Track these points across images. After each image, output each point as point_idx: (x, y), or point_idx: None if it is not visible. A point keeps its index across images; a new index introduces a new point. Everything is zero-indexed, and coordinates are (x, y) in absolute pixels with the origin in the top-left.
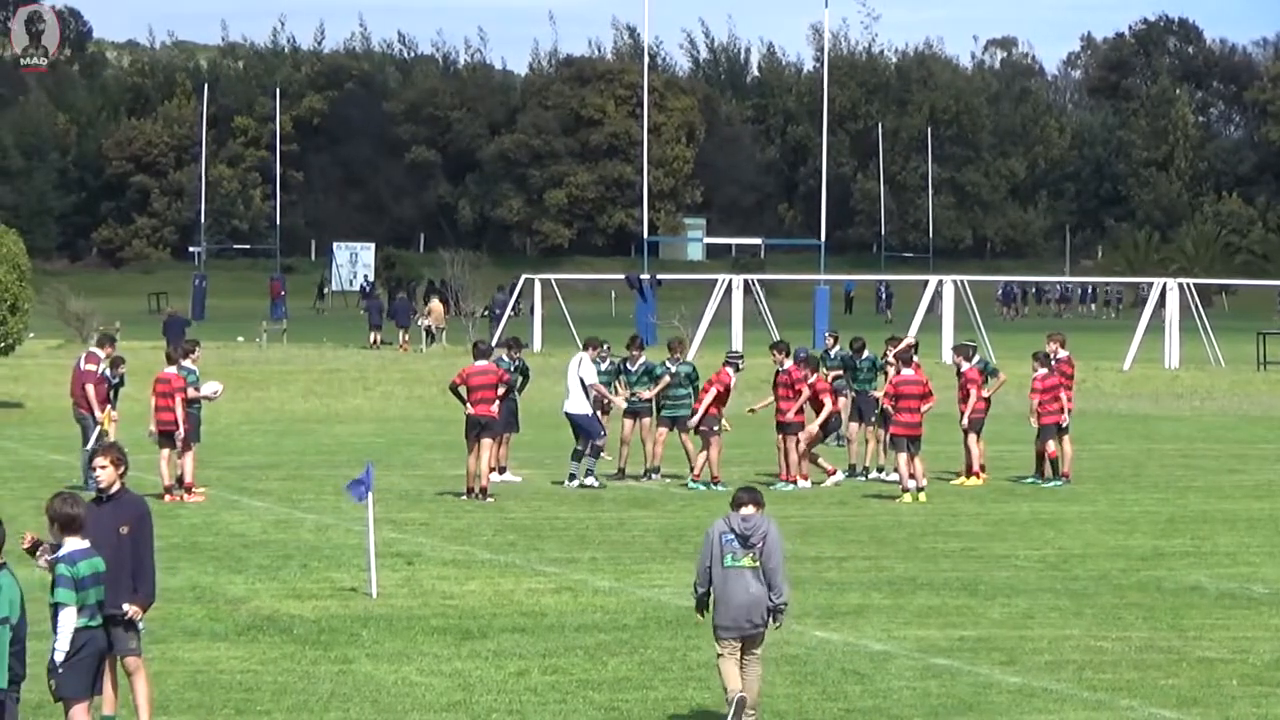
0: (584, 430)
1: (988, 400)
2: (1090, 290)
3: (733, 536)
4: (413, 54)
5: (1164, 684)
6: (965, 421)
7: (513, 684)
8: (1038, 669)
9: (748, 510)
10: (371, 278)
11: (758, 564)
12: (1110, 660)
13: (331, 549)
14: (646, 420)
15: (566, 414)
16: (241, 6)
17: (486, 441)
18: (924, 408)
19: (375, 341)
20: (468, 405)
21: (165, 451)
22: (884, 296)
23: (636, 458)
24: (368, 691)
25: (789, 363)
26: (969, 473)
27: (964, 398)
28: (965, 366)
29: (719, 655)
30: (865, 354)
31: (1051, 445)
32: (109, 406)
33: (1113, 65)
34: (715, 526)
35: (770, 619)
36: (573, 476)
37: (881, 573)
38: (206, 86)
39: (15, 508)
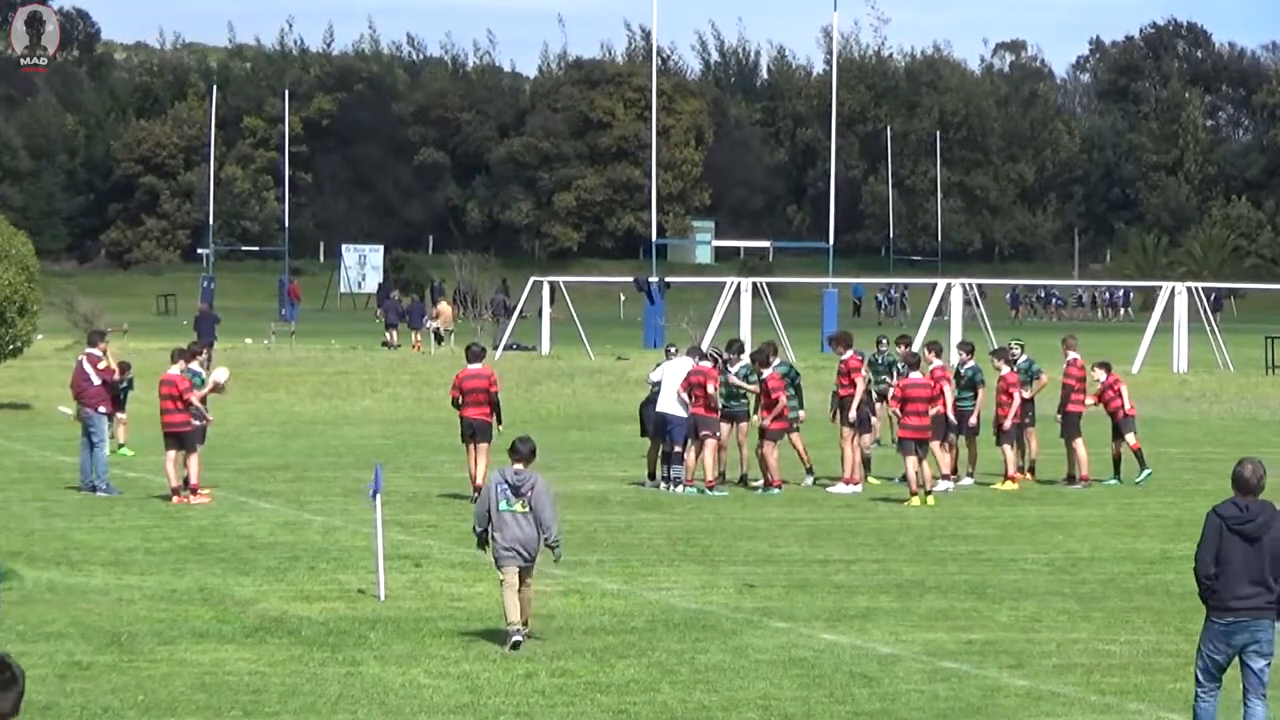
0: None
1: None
2: (1124, 294)
3: (506, 486)
4: (422, 56)
5: (1172, 687)
6: (1007, 424)
7: (521, 686)
8: (1046, 672)
9: (518, 465)
10: (381, 280)
11: (528, 510)
12: (1118, 664)
13: (339, 551)
14: (744, 425)
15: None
16: (250, 8)
17: (483, 445)
18: (932, 411)
19: (393, 341)
20: (463, 408)
21: (172, 453)
22: (888, 301)
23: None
24: (375, 693)
25: (848, 354)
26: (1009, 476)
27: (1006, 402)
28: (1005, 371)
29: (501, 583)
30: (969, 362)
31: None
32: (118, 410)
33: (1122, 69)
34: (493, 477)
35: (551, 551)
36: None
37: (889, 576)
38: (215, 87)
39: (22, 509)
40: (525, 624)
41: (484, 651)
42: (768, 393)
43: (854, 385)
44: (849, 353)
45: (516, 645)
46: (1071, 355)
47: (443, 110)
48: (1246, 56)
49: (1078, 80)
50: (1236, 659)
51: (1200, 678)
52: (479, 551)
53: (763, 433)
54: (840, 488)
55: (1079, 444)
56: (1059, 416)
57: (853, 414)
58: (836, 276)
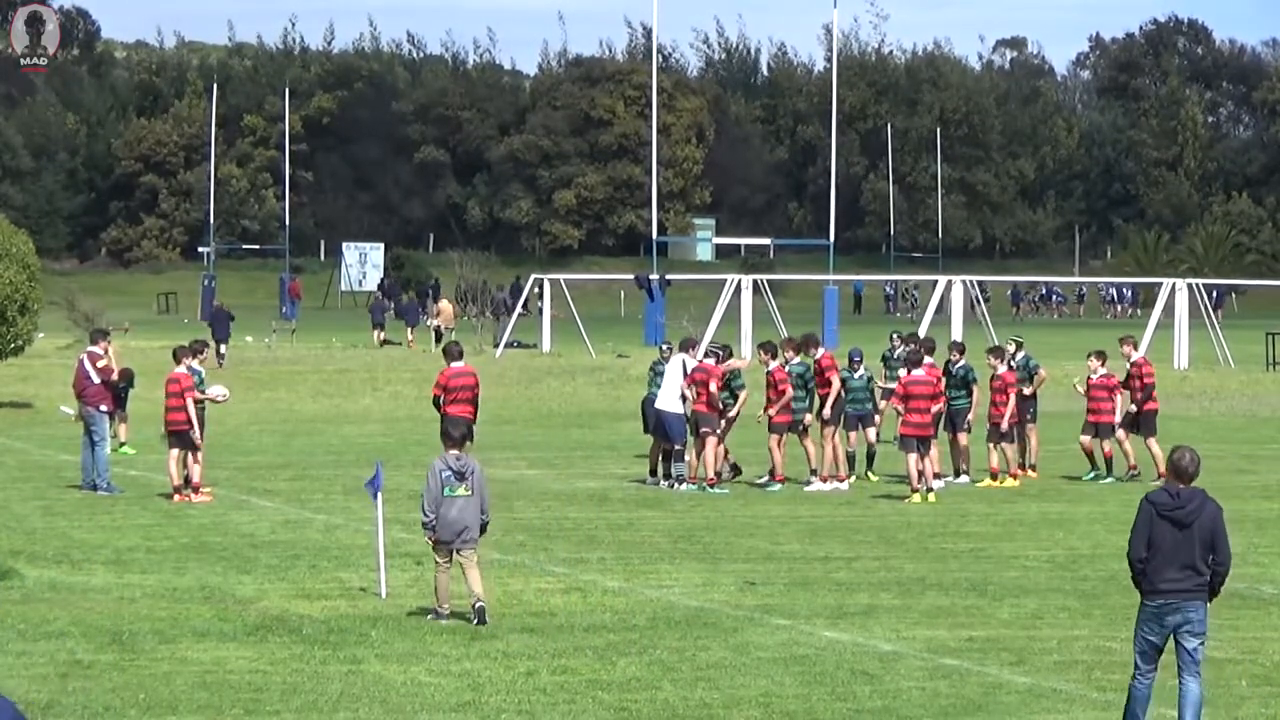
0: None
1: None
2: (1130, 292)
3: (450, 472)
4: (422, 54)
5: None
6: (1004, 425)
7: (522, 684)
8: (1047, 669)
9: (455, 450)
10: (383, 278)
11: (470, 493)
12: (1119, 660)
13: (340, 549)
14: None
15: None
16: (250, 7)
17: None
18: (934, 408)
19: (380, 340)
20: (448, 407)
21: (174, 451)
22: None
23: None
24: (377, 692)
25: (820, 352)
26: (1010, 473)
27: (1002, 401)
28: (1001, 369)
29: (436, 566)
30: (960, 361)
31: (1108, 444)
32: (119, 409)
33: (1122, 65)
34: (435, 465)
35: (479, 534)
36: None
37: (890, 573)
38: (216, 86)
39: (24, 507)
40: (480, 597)
41: (485, 649)
42: (773, 385)
43: (829, 384)
44: (820, 351)
45: (443, 618)
46: (1135, 356)
47: (443, 108)
48: (1247, 53)
49: (1078, 77)
50: (1171, 640)
51: (1138, 660)
52: (429, 540)
53: (770, 425)
54: (818, 485)
55: (1154, 442)
56: (1135, 414)
57: (827, 411)
58: (837, 273)
